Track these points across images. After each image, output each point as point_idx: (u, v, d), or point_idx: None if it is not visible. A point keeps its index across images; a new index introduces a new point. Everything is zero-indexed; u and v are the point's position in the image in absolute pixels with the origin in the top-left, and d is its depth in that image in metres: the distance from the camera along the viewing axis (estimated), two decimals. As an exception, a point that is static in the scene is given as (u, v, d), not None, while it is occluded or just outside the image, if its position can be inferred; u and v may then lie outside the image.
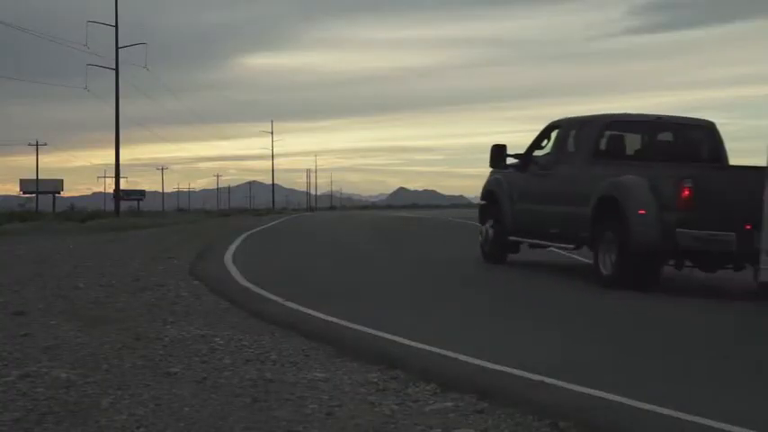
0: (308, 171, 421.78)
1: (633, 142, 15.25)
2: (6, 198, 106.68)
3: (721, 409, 6.30)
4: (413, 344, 8.77)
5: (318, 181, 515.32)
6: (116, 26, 55.46)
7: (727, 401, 6.67)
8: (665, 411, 6.25)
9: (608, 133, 14.94)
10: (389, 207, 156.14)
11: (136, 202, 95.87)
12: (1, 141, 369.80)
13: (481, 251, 17.36)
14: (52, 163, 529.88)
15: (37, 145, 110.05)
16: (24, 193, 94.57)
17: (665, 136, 15.37)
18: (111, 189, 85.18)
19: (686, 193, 12.63)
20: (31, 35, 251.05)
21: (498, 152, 16.65)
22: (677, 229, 12.55)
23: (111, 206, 72.59)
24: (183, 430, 6.10)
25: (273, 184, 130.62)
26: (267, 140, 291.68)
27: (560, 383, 7.05)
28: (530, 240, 16.15)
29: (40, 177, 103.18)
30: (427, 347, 8.55)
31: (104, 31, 57.24)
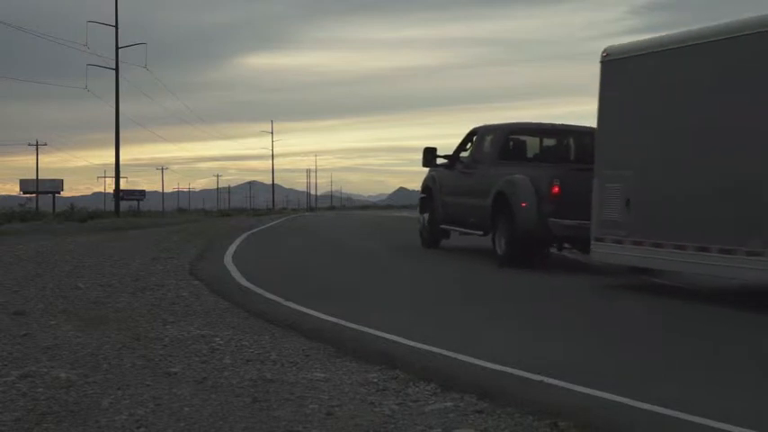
0: (308, 171, 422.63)
1: (533, 146, 18.18)
2: (6, 198, 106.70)
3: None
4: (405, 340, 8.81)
5: (318, 181, 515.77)
6: (116, 26, 55.50)
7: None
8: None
9: (510, 139, 18.02)
10: (390, 207, 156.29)
11: (136, 202, 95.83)
12: (1, 141, 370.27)
13: (420, 237, 20.59)
14: (52, 163, 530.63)
15: (37, 145, 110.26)
16: (24, 193, 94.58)
17: (552, 141, 18.22)
18: (111, 189, 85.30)
19: (556, 189, 15.80)
20: (31, 35, 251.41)
21: (429, 153, 19.67)
22: (550, 219, 15.66)
23: (111, 206, 72.60)
24: (182, 430, 6.10)
25: (273, 184, 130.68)
26: (267, 140, 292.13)
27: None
28: (455, 228, 19.09)
29: (40, 177, 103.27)
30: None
31: (104, 31, 57.36)
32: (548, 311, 11.65)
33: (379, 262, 18.01)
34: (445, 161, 19.51)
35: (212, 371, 7.82)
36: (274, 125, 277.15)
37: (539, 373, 7.34)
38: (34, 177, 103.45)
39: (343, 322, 10.18)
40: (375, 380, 7.53)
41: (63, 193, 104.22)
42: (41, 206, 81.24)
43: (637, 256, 13.46)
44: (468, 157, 18.75)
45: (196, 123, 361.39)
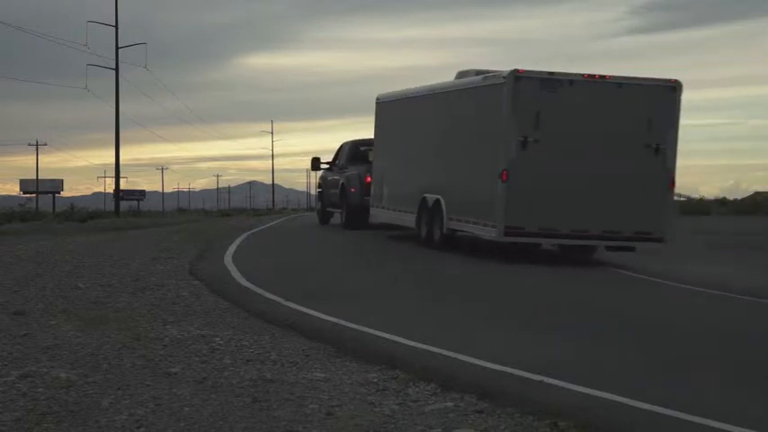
0: (309, 171, 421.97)
1: (369, 154, 25.49)
2: (6, 198, 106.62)
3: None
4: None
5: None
6: (116, 26, 55.40)
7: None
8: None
9: (357, 149, 26.49)
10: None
11: (136, 202, 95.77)
12: (1, 141, 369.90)
13: (317, 217, 29.72)
14: (52, 163, 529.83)
15: (37, 145, 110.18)
16: (24, 193, 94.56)
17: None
18: (111, 189, 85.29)
19: (368, 179, 24.33)
20: (31, 35, 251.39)
21: (315, 161, 28.97)
22: (365, 198, 24.44)
23: (111, 206, 72.56)
24: (183, 430, 6.10)
25: (273, 184, 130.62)
26: (267, 140, 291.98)
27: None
28: (332, 209, 27.60)
29: (40, 177, 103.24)
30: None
31: (104, 31, 57.21)
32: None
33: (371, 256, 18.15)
34: (327, 166, 28.35)
35: (212, 371, 7.82)
36: (274, 125, 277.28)
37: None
38: (34, 177, 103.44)
39: (343, 322, 10.18)
40: (375, 380, 7.53)
41: (63, 193, 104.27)
42: (41, 206, 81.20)
43: (387, 215, 22.78)
44: (338, 162, 27.24)
45: (196, 123, 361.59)
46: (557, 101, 17.03)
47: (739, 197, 69.69)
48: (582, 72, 17.43)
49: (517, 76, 16.98)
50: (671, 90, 17.44)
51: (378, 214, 23.27)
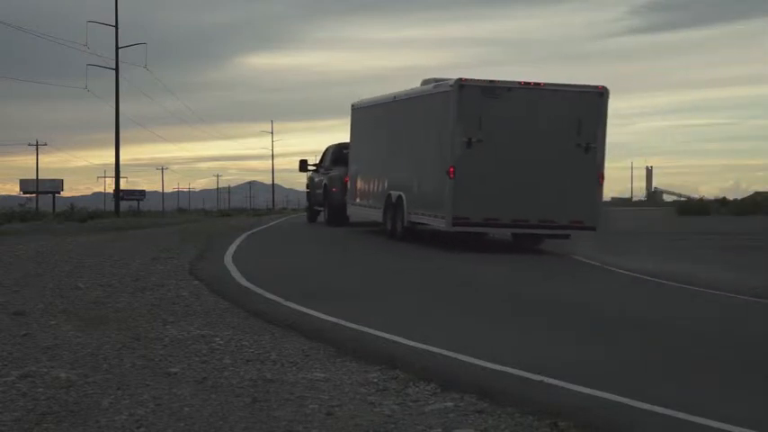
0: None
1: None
2: (6, 198, 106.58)
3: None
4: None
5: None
6: (116, 26, 55.40)
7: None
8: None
9: (340, 152, 27.99)
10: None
11: (136, 202, 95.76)
12: (1, 141, 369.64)
13: (306, 216, 32.53)
14: (52, 163, 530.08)
15: (37, 145, 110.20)
16: (24, 193, 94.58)
17: None
18: (111, 189, 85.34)
19: (347, 179, 26.53)
20: (31, 35, 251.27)
21: (303, 163, 30.95)
22: (345, 197, 26.64)
23: (111, 206, 72.56)
24: (182, 430, 6.10)
25: (273, 184, 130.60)
26: (267, 140, 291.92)
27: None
28: (318, 208, 29.87)
29: (40, 177, 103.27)
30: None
31: (104, 31, 57.21)
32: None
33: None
34: (313, 168, 30.33)
35: (212, 371, 7.82)
36: (274, 125, 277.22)
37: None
38: (34, 177, 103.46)
39: (343, 322, 10.18)
40: (375, 380, 7.53)
41: (63, 193, 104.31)
42: (41, 206, 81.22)
43: (361, 212, 25.26)
44: (322, 164, 29.37)
45: (196, 123, 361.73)
46: (497, 106, 19.18)
47: (739, 197, 69.67)
48: (519, 80, 19.61)
49: (461, 84, 19.11)
50: (599, 95, 19.50)
51: (353, 211, 26.01)
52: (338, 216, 27.16)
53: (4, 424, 6.18)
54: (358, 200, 25.38)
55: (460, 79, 19.14)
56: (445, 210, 19.35)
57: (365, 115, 25.49)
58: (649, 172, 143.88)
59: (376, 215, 23.56)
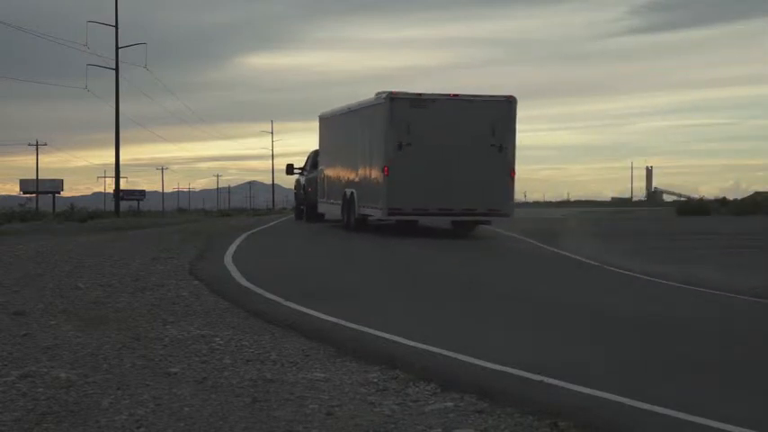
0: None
1: None
2: (6, 198, 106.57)
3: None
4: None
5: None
6: (116, 26, 55.40)
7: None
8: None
9: (315, 156, 31.27)
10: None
11: (136, 202, 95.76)
12: (1, 141, 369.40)
13: (294, 214, 35.90)
14: (52, 163, 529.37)
15: (37, 145, 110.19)
16: (24, 193, 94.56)
17: None
18: (111, 189, 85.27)
19: (320, 180, 29.67)
20: (31, 35, 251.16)
21: (289, 167, 33.76)
22: (317, 196, 30.16)
23: (111, 206, 72.56)
24: (182, 430, 6.10)
25: (273, 184, 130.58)
26: (267, 140, 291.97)
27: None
28: (302, 207, 32.95)
29: (40, 177, 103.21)
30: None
31: (104, 31, 57.26)
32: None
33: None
34: (299, 171, 33.46)
35: (212, 371, 7.82)
36: (274, 125, 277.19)
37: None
38: (34, 177, 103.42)
39: (343, 322, 10.18)
40: (375, 380, 7.53)
41: (63, 193, 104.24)
42: (41, 206, 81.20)
43: (330, 208, 28.31)
44: (305, 167, 32.79)
45: (196, 123, 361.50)
46: (423, 114, 22.99)
47: (739, 197, 69.62)
48: (443, 92, 23.38)
49: (392, 97, 23.05)
50: (508, 103, 23.33)
51: (323, 208, 29.71)
52: (314, 213, 30.71)
53: (4, 424, 6.18)
54: (326, 198, 29.08)
55: (391, 93, 23.13)
56: (382, 202, 23.25)
57: (329, 123, 29.42)
58: (649, 172, 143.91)
59: (337, 210, 26.99)
